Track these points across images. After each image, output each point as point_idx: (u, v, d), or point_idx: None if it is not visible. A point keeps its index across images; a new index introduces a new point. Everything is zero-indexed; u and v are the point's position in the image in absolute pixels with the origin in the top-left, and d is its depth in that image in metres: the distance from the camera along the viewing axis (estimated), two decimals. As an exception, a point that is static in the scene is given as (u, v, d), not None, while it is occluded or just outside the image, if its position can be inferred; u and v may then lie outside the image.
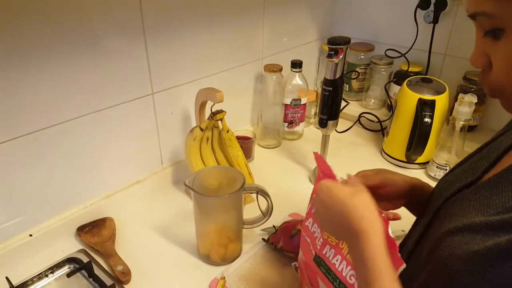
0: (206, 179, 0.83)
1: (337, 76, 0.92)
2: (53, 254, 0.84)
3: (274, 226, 0.87)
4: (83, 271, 0.81)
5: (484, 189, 0.52)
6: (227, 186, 0.86)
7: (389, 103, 1.10)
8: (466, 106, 0.99)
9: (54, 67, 0.76)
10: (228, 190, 0.84)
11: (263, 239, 0.88)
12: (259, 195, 0.83)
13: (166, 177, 1.05)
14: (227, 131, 0.97)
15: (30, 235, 0.84)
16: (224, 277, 0.78)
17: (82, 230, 0.90)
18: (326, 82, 0.94)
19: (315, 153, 0.68)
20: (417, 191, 0.70)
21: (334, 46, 0.88)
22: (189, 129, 1.03)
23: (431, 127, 1.01)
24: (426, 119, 1.01)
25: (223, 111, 0.93)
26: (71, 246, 0.87)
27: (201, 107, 0.97)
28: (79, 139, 0.85)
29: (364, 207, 0.53)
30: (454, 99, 1.12)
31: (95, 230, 0.90)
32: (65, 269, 0.82)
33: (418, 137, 1.02)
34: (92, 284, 0.79)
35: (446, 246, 0.48)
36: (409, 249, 0.60)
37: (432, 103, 1.02)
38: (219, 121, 0.95)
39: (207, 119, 0.94)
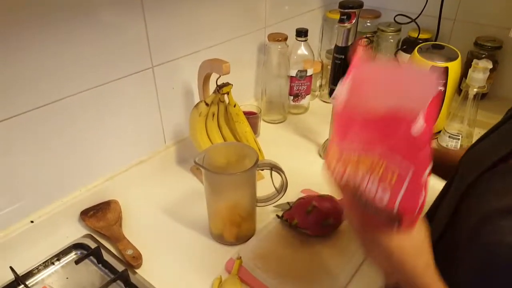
0: (215, 157, 0.79)
1: (349, 42, 0.87)
2: (57, 240, 0.80)
3: (288, 203, 0.84)
4: (91, 257, 0.77)
5: None
6: (236, 164, 0.81)
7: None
8: (480, 72, 0.95)
9: (49, 41, 0.70)
10: (237, 168, 0.80)
11: (277, 215, 0.84)
12: (272, 172, 0.79)
13: (170, 156, 1.00)
14: (234, 106, 0.92)
15: (31, 222, 0.79)
16: (241, 257, 0.75)
17: (86, 214, 0.86)
18: (337, 49, 0.89)
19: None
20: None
21: (346, 10, 0.83)
22: (191, 105, 0.98)
23: (444, 96, 0.98)
24: (439, 87, 0.97)
25: (230, 83, 0.88)
26: (76, 232, 0.83)
27: (205, 80, 0.92)
28: (78, 118, 0.80)
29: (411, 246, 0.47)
30: (464, 66, 1.08)
31: (100, 214, 0.86)
32: (72, 256, 0.78)
33: (431, 106, 0.99)
34: (102, 270, 0.76)
35: (494, 231, 0.44)
36: (443, 222, 0.56)
37: (445, 71, 0.98)
38: (226, 95, 0.90)
39: (213, 93, 0.89)
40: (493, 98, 1.16)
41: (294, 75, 1.14)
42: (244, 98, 1.18)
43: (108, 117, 0.85)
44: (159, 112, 0.95)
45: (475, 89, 0.97)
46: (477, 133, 1.04)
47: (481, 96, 0.98)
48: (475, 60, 0.95)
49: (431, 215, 0.65)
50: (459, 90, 1.07)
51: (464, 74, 1.05)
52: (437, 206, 0.65)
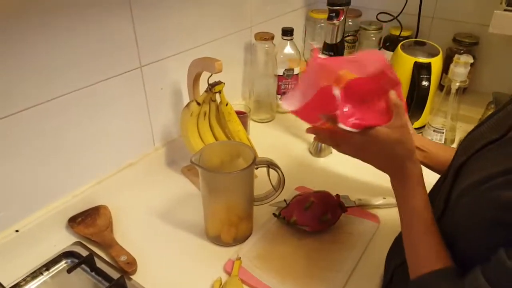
0: (209, 157, 0.77)
1: (338, 40, 0.88)
2: (45, 250, 0.76)
3: (285, 200, 0.83)
4: (83, 265, 0.73)
5: (509, 144, 0.51)
6: (230, 163, 0.80)
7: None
8: (462, 67, 0.98)
9: (31, 42, 0.67)
10: (232, 167, 0.79)
11: (274, 214, 0.83)
12: (269, 169, 0.78)
13: (159, 158, 0.98)
14: (226, 104, 0.90)
15: (16, 231, 0.75)
16: (240, 258, 0.74)
17: (75, 221, 0.82)
18: (326, 47, 0.90)
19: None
20: (425, 148, 0.72)
21: (335, 8, 0.84)
22: (180, 105, 0.97)
23: (429, 90, 1.00)
24: (424, 82, 0.99)
25: (222, 82, 0.87)
26: (64, 240, 0.79)
27: (195, 79, 0.90)
28: (63, 121, 0.77)
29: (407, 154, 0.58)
30: (444, 62, 1.11)
31: (89, 220, 0.82)
32: (62, 265, 0.75)
33: (417, 101, 1.01)
34: (95, 278, 0.73)
35: (464, 204, 0.48)
36: (440, 208, 0.58)
37: (428, 66, 1.00)
38: (217, 94, 0.89)
39: (204, 92, 0.88)
40: (472, 93, 1.20)
41: (282, 74, 1.14)
42: (232, 97, 1.16)
43: (95, 119, 0.82)
44: (147, 113, 0.92)
45: (457, 84, 0.99)
46: (460, 127, 1.07)
47: (462, 91, 1.01)
48: (456, 55, 0.98)
49: (433, 198, 0.68)
50: (440, 85, 1.10)
51: (444, 70, 1.08)
52: (438, 189, 0.67)
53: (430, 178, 0.67)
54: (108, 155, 0.88)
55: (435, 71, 1.02)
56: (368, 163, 0.64)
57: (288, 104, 0.63)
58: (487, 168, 0.49)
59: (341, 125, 0.57)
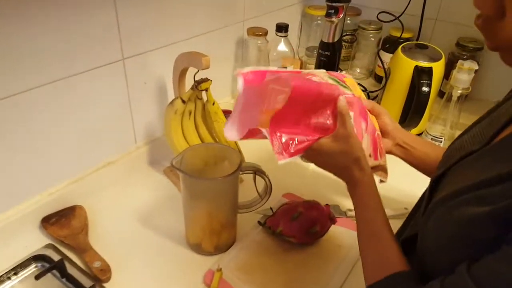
0: (192, 159, 0.72)
1: (336, 38, 0.83)
2: (15, 251, 0.71)
3: (271, 208, 0.79)
4: (54, 270, 0.68)
5: (487, 155, 0.48)
6: (214, 166, 0.76)
7: (384, 70, 1.03)
8: (465, 73, 0.93)
9: (3, 32, 0.61)
10: (216, 170, 0.74)
11: (259, 222, 0.79)
12: (256, 176, 0.74)
13: (141, 157, 0.93)
14: (213, 103, 0.85)
15: (-16, 231, 0.70)
16: (221, 269, 0.69)
17: (48, 222, 0.77)
18: (323, 45, 0.85)
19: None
20: (409, 146, 0.71)
21: (334, 4, 0.79)
22: (165, 102, 0.91)
23: (429, 96, 0.95)
24: (424, 88, 0.95)
25: (209, 79, 0.82)
26: (36, 241, 0.74)
27: (181, 75, 0.85)
28: (38, 114, 0.71)
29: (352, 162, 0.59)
30: (446, 67, 1.06)
31: (63, 221, 0.78)
32: (32, 269, 0.70)
33: (415, 107, 0.96)
34: (66, 285, 0.68)
35: (433, 220, 0.47)
36: (418, 222, 0.55)
37: (429, 71, 0.96)
38: (204, 92, 0.83)
39: (190, 89, 0.83)
40: (474, 100, 1.15)
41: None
42: (221, 95, 1.11)
43: (72, 113, 0.77)
44: (129, 109, 0.87)
45: (459, 91, 0.95)
46: (459, 135, 1.02)
47: (464, 98, 0.97)
48: (460, 61, 0.93)
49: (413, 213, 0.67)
50: (439, 92, 1.06)
51: (445, 76, 1.04)
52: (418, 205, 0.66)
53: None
54: (86, 152, 0.82)
55: (436, 76, 0.97)
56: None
57: (231, 135, 0.62)
58: (457, 182, 0.47)
59: (282, 162, 0.57)
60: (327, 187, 0.91)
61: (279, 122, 0.58)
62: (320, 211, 0.75)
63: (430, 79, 0.95)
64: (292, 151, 0.59)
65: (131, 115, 0.88)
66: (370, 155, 0.65)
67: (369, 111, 0.69)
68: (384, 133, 0.71)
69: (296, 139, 0.59)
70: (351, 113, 0.61)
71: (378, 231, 0.56)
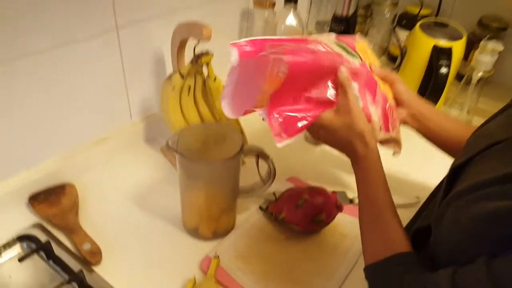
0: (190, 139, 0.67)
1: (351, 12, 0.76)
2: (1, 230, 0.67)
3: (274, 193, 0.74)
4: (41, 252, 0.64)
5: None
6: (214, 147, 0.70)
7: (400, 48, 0.96)
8: (488, 54, 0.87)
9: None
10: (216, 151, 0.69)
11: (260, 207, 0.74)
12: (259, 159, 0.68)
13: (136, 133, 0.87)
14: (214, 79, 0.79)
15: (-32, 208, 0.66)
16: (218, 256, 0.65)
17: (36, 199, 0.72)
18: (336, 20, 0.78)
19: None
20: (425, 118, 0.65)
21: (350, -26, 0.72)
22: (162, 75, 0.85)
23: (447, 78, 0.89)
24: (443, 69, 0.88)
25: (210, 52, 0.76)
26: (23, 220, 0.70)
27: (180, 47, 0.78)
28: (26, 85, 0.66)
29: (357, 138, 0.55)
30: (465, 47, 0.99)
31: (52, 199, 0.73)
32: (17, 250, 0.66)
33: (432, 90, 0.90)
34: (52, 268, 0.64)
35: (451, 213, 0.44)
36: (432, 213, 0.51)
37: (449, 51, 0.89)
38: (205, 66, 0.77)
39: (189, 63, 0.76)
40: (495, 84, 1.07)
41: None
42: (223, 71, 1.05)
43: (63, 85, 0.71)
44: (124, 83, 0.81)
45: (480, 73, 0.88)
46: (476, 121, 0.96)
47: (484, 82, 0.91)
48: (483, 41, 0.87)
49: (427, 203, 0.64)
50: (457, 74, 0.99)
51: (463, 57, 0.97)
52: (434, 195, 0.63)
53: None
54: (78, 127, 0.77)
55: (456, 57, 0.91)
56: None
57: (228, 113, 0.58)
58: (480, 173, 0.43)
59: (281, 144, 0.54)
60: (334, 172, 0.86)
61: (277, 101, 0.54)
62: (326, 199, 0.70)
63: (450, 59, 0.89)
64: (291, 131, 0.54)
65: (126, 89, 0.82)
66: (380, 128, 0.60)
67: (382, 79, 0.64)
68: (398, 103, 0.66)
69: (296, 117, 0.55)
70: (355, 84, 0.57)
71: (380, 209, 0.53)
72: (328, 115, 0.56)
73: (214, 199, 0.68)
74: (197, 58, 0.75)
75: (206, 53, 0.75)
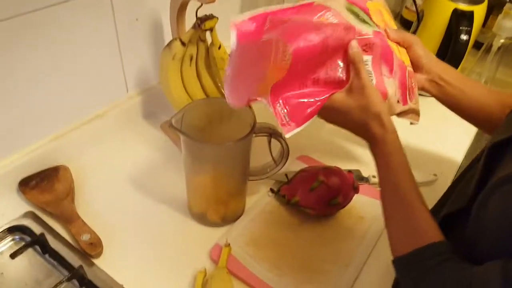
0: (193, 116, 0.61)
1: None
2: (-11, 220, 0.61)
3: (286, 174, 0.68)
4: (35, 245, 0.59)
5: None
6: (220, 124, 0.64)
7: (417, 13, 0.88)
8: (511, 19, 0.80)
9: None
10: (223, 129, 0.63)
11: (271, 189, 0.69)
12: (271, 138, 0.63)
13: (134, 109, 0.80)
14: (219, 47, 0.72)
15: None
16: (229, 244, 0.60)
17: (27, 185, 0.66)
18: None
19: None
20: (446, 84, 0.60)
21: None
22: (161, 43, 0.78)
23: (467, 46, 0.82)
24: (463, 36, 0.82)
25: (215, 16, 0.68)
26: (13, 208, 0.64)
27: (180, 10, 0.70)
28: (7, 58, 0.58)
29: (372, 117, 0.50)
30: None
31: (45, 184, 0.67)
32: (8, 243, 0.60)
33: (451, 58, 0.84)
34: (49, 262, 0.59)
35: (496, 200, 0.40)
36: (467, 195, 0.47)
37: (470, 16, 0.82)
38: (208, 32, 0.69)
39: (191, 28, 0.68)
40: None
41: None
42: (225, 37, 0.97)
43: (50, 58, 0.63)
44: (118, 53, 0.73)
45: (501, 40, 0.82)
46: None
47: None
48: (508, 4, 0.80)
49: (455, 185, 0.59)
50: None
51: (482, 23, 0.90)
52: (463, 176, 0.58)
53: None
54: (69, 104, 0.70)
55: (477, 22, 0.84)
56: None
57: (232, 103, 0.54)
58: None
59: (289, 134, 0.50)
60: (346, 147, 0.81)
61: (282, 88, 0.49)
62: (343, 180, 0.65)
63: (471, 25, 0.82)
64: (300, 118, 0.50)
65: (120, 60, 0.74)
66: (398, 101, 0.55)
67: (398, 43, 0.58)
68: (416, 68, 0.60)
69: (303, 103, 0.50)
70: (368, 58, 0.51)
71: (405, 195, 0.48)
72: (339, 96, 0.51)
73: (223, 182, 0.63)
74: (200, 23, 0.67)
75: (211, 17, 0.67)
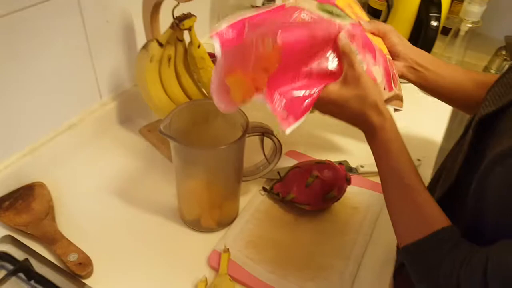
0: (178, 119, 0.58)
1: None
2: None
3: (278, 172, 0.67)
4: (19, 273, 0.54)
5: None
6: (205, 124, 0.62)
7: (388, 2, 0.90)
8: (477, 4, 0.83)
9: None
10: (208, 129, 0.61)
11: (264, 188, 0.68)
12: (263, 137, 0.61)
13: (109, 115, 0.75)
14: (198, 46, 0.69)
15: None
16: (228, 249, 0.58)
17: (0, 207, 0.61)
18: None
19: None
20: (422, 68, 0.60)
21: None
22: (133, 45, 0.74)
23: (437, 32, 0.84)
24: (433, 22, 0.84)
25: (193, 15, 0.65)
26: (-13, 234, 0.58)
27: (154, 9, 0.66)
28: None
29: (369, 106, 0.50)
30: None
31: (20, 204, 0.62)
32: (-13, 273, 0.55)
33: (423, 46, 0.85)
34: (35, 289, 0.54)
35: (500, 173, 0.39)
36: (458, 167, 0.48)
37: (439, 2, 0.84)
38: (187, 32, 0.66)
39: (169, 28, 0.65)
40: (478, 38, 1.04)
41: (261, 5, 0.92)
42: (198, 34, 0.94)
43: (16, 66, 0.58)
44: (89, 56, 0.68)
45: (468, 25, 0.85)
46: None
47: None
48: (473, -10, 0.83)
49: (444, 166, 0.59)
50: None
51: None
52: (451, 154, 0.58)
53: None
54: (40, 116, 0.65)
55: (444, 8, 0.86)
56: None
57: (224, 109, 0.52)
58: None
59: (289, 129, 0.49)
60: (330, 140, 0.80)
61: (275, 83, 0.49)
62: (336, 173, 0.64)
63: (440, 11, 0.84)
64: (298, 112, 0.49)
65: (92, 64, 0.69)
66: (384, 88, 0.56)
67: (373, 34, 0.59)
68: (393, 55, 0.61)
69: (299, 97, 0.50)
70: (355, 48, 0.51)
71: (408, 181, 0.48)
72: (335, 88, 0.50)
73: (217, 186, 0.60)
74: (178, 22, 0.64)
75: (189, 16, 0.64)
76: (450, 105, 0.65)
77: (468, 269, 0.40)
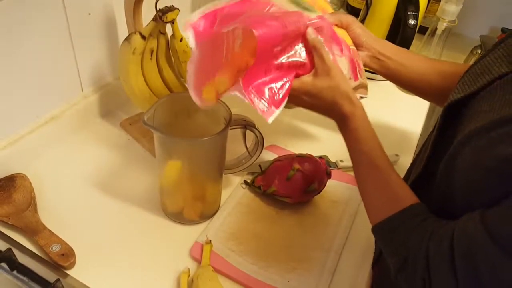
0: (161, 112, 0.58)
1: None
2: None
3: (260, 165, 0.68)
4: (1, 263, 0.54)
5: None
6: (187, 117, 0.63)
7: (367, 1, 0.91)
8: (453, 4, 0.86)
9: None
10: (190, 123, 0.62)
11: (245, 181, 0.69)
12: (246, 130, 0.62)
13: (90, 108, 0.75)
14: (181, 40, 0.69)
15: None
16: (210, 241, 0.59)
17: (-20, 199, 0.60)
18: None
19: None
20: (386, 58, 0.62)
21: None
22: (115, 38, 0.74)
23: (415, 30, 0.87)
24: (411, 21, 0.86)
25: (176, 8, 0.65)
26: (-31, 226, 0.58)
27: (137, 2, 0.66)
28: None
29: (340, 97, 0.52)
30: None
31: (2, 196, 0.61)
32: (-33, 264, 0.54)
33: (400, 43, 0.87)
34: (18, 279, 0.54)
35: (467, 154, 0.41)
36: (427, 153, 0.50)
37: (416, 1, 0.87)
38: (169, 25, 0.67)
39: (152, 20, 0.65)
40: (454, 36, 1.08)
41: None
42: (180, 28, 0.94)
43: (-4, 56, 0.57)
44: (71, 49, 0.68)
45: (445, 24, 0.88)
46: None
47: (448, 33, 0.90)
48: (450, -10, 0.85)
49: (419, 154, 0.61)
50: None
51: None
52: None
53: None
54: (20, 108, 0.64)
55: (421, 7, 0.89)
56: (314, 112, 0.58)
57: (201, 105, 0.54)
58: (498, 109, 0.40)
59: (272, 118, 0.51)
60: (310, 134, 0.82)
61: (250, 77, 0.50)
62: (317, 166, 0.66)
63: (417, 10, 0.86)
64: (276, 99, 0.51)
65: (74, 56, 0.69)
66: (350, 78, 0.58)
67: (336, 25, 0.61)
68: (357, 45, 0.63)
69: (275, 85, 0.52)
70: (322, 41, 0.54)
71: (379, 163, 0.50)
72: (308, 80, 0.53)
73: (200, 178, 0.61)
74: (161, 15, 0.64)
75: (172, 9, 0.65)
76: (414, 93, 0.67)
77: (436, 240, 0.41)
